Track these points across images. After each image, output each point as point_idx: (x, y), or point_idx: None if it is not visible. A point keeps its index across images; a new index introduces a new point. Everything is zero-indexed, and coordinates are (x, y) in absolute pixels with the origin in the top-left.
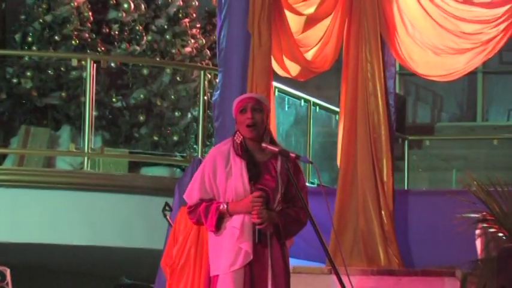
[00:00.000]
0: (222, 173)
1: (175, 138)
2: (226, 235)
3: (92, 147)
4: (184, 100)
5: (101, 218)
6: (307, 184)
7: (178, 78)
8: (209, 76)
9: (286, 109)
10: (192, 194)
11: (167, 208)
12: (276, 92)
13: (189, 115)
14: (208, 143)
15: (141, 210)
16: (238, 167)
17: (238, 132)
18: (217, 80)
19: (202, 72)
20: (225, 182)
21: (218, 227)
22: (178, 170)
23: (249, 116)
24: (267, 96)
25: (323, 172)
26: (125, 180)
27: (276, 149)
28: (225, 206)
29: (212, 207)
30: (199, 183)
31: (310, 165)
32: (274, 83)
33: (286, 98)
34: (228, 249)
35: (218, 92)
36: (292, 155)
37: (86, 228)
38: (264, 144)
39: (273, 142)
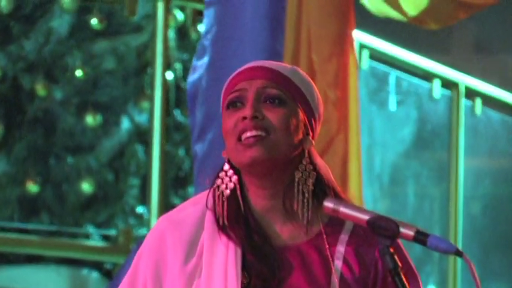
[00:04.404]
0: (177, 277)
1: (85, 187)
2: None
3: None
4: (112, 82)
5: None
6: None
7: (94, 22)
8: (178, 18)
9: (394, 107)
10: None
11: None
12: (365, 59)
13: (126, 123)
14: (176, 200)
15: None
16: (221, 260)
17: (226, 168)
18: (200, 30)
19: (159, 6)
20: None
21: None
22: (94, 274)
23: (249, 111)
24: (339, 72)
25: (493, 279)
26: None
27: (364, 217)
28: None
29: None
30: None
31: (457, 259)
32: (358, 34)
33: (393, 77)
34: None
35: (206, 59)
36: (408, 232)
37: None
38: (328, 204)
39: (323, 190)
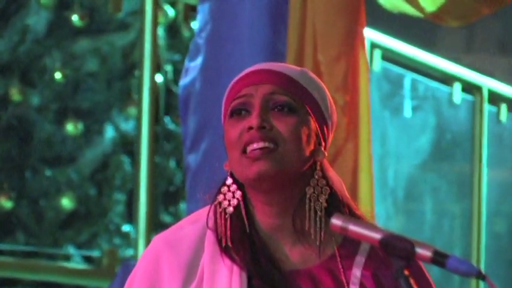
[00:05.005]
0: None
1: (65, 202)
2: None
3: None
4: (94, 86)
5: None
6: None
7: (74, 19)
8: (168, 14)
9: (409, 113)
10: None
11: None
12: (377, 60)
13: (110, 132)
14: (166, 217)
15: None
16: (224, 286)
17: (228, 183)
18: (194, 27)
19: (147, 1)
20: None
21: None
22: None
23: (255, 121)
24: (348, 74)
25: None
26: None
27: (376, 236)
28: None
29: None
30: None
31: (480, 282)
32: (370, 32)
33: (409, 80)
34: None
35: (200, 60)
36: (425, 252)
37: None
38: (336, 221)
39: (336, 206)
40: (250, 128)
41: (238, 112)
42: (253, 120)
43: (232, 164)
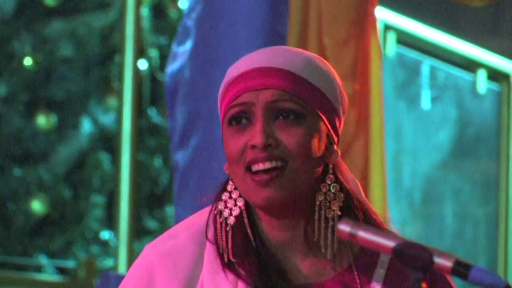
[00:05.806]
0: None
1: (36, 206)
2: None
3: None
4: (69, 74)
5: None
6: None
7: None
8: None
9: (428, 104)
10: None
11: None
12: (392, 44)
13: (87, 126)
14: (151, 223)
15: None
16: None
17: (230, 189)
18: (182, 7)
19: None
20: None
21: None
22: None
23: (259, 139)
24: (358, 60)
25: None
26: None
27: (389, 244)
28: None
29: None
30: None
31: None
32: (383, 13)
33: (427, 67)
34: None
35: (190, 44)
36: (445, 262)
37: None
38: (344, 227)
39: (352, 213)
40: (254, 146)
41: (238, 120)
42: (257, 138)
43: (235, 178)
